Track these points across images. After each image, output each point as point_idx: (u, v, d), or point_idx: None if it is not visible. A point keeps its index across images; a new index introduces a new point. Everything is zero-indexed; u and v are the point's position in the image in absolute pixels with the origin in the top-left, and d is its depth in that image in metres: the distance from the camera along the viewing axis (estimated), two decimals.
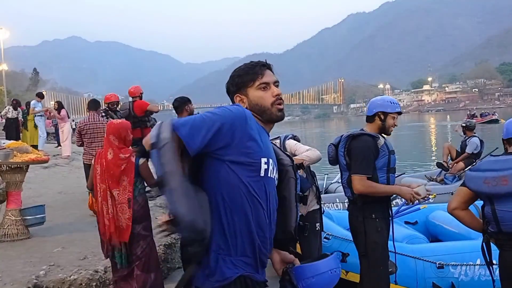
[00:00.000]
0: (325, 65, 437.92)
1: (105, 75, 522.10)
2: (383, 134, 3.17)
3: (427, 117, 74.85)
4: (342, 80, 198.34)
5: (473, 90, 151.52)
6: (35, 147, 13.22)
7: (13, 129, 13.85)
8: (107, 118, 6.34)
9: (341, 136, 3.24)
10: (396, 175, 5.82)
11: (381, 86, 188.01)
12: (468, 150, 8.09)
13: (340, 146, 3.18)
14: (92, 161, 3.52)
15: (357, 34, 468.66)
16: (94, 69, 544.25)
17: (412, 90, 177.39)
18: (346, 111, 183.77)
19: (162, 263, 4.43)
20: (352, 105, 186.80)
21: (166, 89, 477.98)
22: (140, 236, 3.36)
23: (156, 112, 7.18)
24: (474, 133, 8.29)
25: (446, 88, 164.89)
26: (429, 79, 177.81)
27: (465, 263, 3.79)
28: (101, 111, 6.52)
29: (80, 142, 6.05)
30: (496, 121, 38.90)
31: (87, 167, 5.67)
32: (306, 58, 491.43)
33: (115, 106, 6.84)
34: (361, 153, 3.01)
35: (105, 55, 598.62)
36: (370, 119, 3.15)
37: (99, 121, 5.98)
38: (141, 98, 7.01)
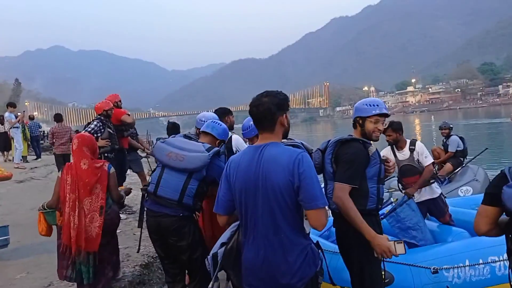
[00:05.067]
0: (310, 69, 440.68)
1: (90, 84, 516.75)
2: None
3: (412, 118, 75.51)
4: (327, 83, 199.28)
5: (456, 90, 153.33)
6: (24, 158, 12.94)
7: (1, 143, 13.47)
8: (103, 128, 5.91)
9: (329, 141, 2.95)
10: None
11: (366, 88, 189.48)
12: (451, 148, 7.99)
13: (327, 152, 2.89)
14: (59, 173, 3.48)
15: (341, 38, 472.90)
16: (78, 79, 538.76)
17: (397, 92, 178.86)
18: (332, 114, 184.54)
19: (137, 286, 4.08)
20: (338, 108, 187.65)
21: (152, 96, 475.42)
22: (114, 246, 3.54)
23: (130, 123, 6.71)
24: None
25: (430, 89, 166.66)
26: (413, 80, 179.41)
27: (456, 266, 3.69)
28: (95, 121, 6.07)
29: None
30: None
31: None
32: (291, 63, 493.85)
33: (111, 112, 6.22)
34: (349, 160, 2.74)
35: (89, 64, 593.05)
36: (354, 125, 2.95)
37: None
38: (118, 107, 6.68)
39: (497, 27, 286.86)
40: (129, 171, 7.40)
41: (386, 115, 2.87)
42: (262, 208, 2.07)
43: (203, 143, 3.03)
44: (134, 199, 7.68)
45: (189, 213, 2.97)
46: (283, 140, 3.24)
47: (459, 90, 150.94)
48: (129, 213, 6.69)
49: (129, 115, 6.87)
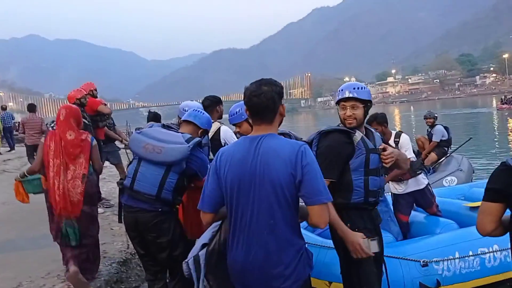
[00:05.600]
0: (292, 60, 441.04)
1: (67, 74, 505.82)
2: (372, 128, 2.75)
3: (392, 109, 76.18)
4: (309, 74, 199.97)
5: (435, 81, 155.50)
6: None
7: None
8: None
9: (316, 133, 2.76)
10: None
11: (347, 79, 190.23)
12: (435, 138, 7.92)
13: (313, 145, 2.69)
14: (42, 139, 3.63)
15: (322, 29, 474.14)
16: (55, 68, 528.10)
17: (377, 83, 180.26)
18: (313, 105, 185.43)
19: (115, 285, 3.86)
20: (319, 99, 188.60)
21: (132, 87, 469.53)
22: (94, 217, 3.62)
23: (108, 113, 6.43)
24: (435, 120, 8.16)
25: (409, 80, 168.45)
26: (393, 71, 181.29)
27: (446, 258, 3.60)
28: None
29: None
30: None
31: None
32: (273, 53, 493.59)
33: (84, 100, 5.87)
34: (322, 153, 2.55)
35: (66, 54, 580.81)
36: None
37: None
38: (94, 96, 6.36)
39: (474, 19, 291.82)
40: (106, 163, 7.11)
41: (356, 99, 2.55)
42: (258, 205, 1.90)
43: (182, 133, 2.84)
44: (112, 192, 7.42)
45: (168, 208, 2.79)
46: None
47: (438, 80, 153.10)
48: (106, 207, 6.42)
49: (105, 104, 6.58)
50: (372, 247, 2.35)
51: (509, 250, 3.85)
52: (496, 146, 15.92)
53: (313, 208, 1.89)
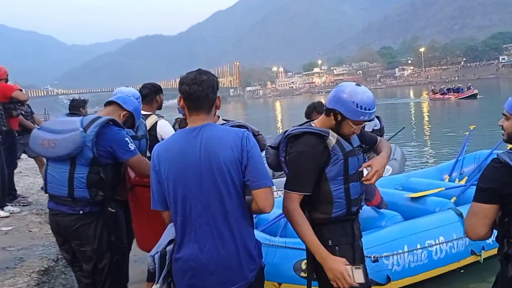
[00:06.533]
0: (221, 48, 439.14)
1: None
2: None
3: (318, 99, 78.42)
4: (238, 63, 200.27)
5: (358, 72, 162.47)
6: None
7: None
8: None
9: (283, 134, 2.32)
10: None
11: (275, 69, 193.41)
12: (368, 128, 7.97)
13: (281, 149, 2.30)
14: None
15: (250, 18, 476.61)
16: None
17: (304, 73, 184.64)
18: (242, 94, 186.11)
19: None
20: (248, 88, 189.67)
21: (50, 72, 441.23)
22: None
23: (24, 101, 5.80)
24: None
25: (334, 71, 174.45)
26: (319, 62, 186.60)
27: (395, 252, 3.57)
28: None
29: None
30: (474, 96, 33.44)
31: None
32: (201, 41, 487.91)
33: None
34: (294, 162, 2.16)
35: None
36: (327, 111, 2.18)
37: None
38: (6, 82, 5.69)
39: (394, 14, 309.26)
40: (24, 156, 6.36)
41: (369, 120, 2.20)
42: (208, 196, 1.85)
43: (84, 116, 2.50)
44: (29, 188, 6.66)
45: (92, 208, 2.49)
46: (223, 121, 2.91)
47: (361, 72, 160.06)
48: (23, 205, 5.70)
49: (21, 90, 5.87)
50: (356, 276, 2.00)
51: (454, 242, 4.03)
52: (426, 134, 16.76)
53: (259, 191, 1.86)
